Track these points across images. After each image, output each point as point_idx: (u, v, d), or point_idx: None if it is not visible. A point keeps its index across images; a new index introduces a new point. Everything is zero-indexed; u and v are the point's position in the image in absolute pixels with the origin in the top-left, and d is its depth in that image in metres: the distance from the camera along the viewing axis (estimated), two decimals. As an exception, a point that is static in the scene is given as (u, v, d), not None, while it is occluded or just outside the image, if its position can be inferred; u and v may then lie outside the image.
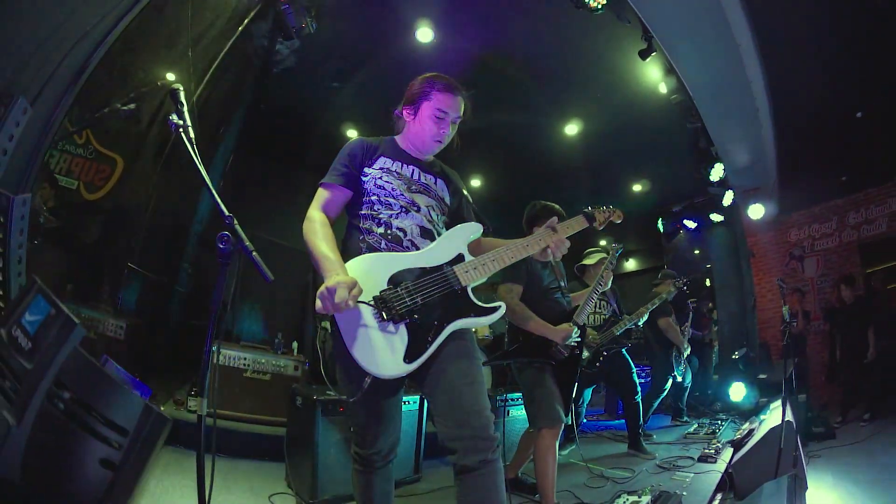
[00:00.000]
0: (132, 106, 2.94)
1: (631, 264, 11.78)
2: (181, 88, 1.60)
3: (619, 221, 2.34)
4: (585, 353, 3.91)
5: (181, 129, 1.52)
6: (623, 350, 4.26)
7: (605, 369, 4.12)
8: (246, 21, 3.82)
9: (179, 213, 4.52)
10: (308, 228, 1.70)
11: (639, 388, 4.33)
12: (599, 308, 4.31)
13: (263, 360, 3.80)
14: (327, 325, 5.55)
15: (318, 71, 5.74)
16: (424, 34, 5.37)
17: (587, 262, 4.32)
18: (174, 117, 1.53)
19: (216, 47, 3.53)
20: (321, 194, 1.80)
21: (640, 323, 4.46)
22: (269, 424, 3.55)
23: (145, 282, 3.44)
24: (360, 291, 1.52)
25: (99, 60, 2.12)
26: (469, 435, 1.56)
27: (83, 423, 0.93)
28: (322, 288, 1.49)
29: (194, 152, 1.51)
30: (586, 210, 2.25)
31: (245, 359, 3.71)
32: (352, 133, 7.10)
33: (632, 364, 4.34)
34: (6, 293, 1.74)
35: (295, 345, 4.28)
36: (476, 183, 8.29)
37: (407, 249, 1.74)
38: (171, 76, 3.05)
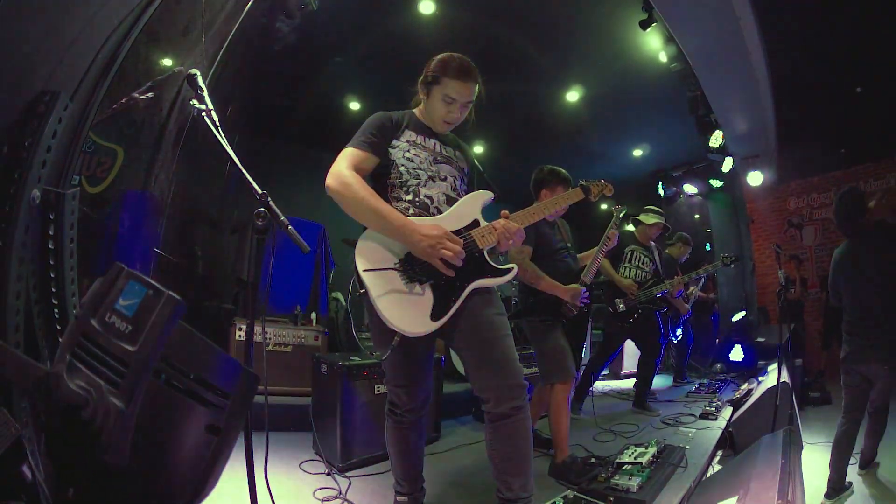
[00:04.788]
0: (150, 94, 3.01)
1: (631, 227, 11.82)
2: (198, 73, 1.62)
3: (609, 195, 2.61)
4: (621, 307, 4.06)
5: (204, 114, 1.56)
6: (657, 312, 4.35)
7: (635, 326, 4.22)
8: (250, 3, 3.85)
9: (190, 196, 4.60)
10: (349, 186, 1.70)
11: (661, 353, 4.46)
12: (643, 264, 4.36)
13: (284, 333, 3.86)
14: (339, 295, 5.73)
15: (319, 45, 5.72)
16: (426, 6, 5.37)
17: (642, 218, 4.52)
18: (195, 102, 1.57)
19: (225, 30, 3.58)
20: (352, 154, 1.80)
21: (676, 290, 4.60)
22: (292, 395, 3.58)
23: (168, 265, 3.54)
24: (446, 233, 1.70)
25: (126, 52, 2.19)
26: (503, 384, 1.69)
27: (190, 392, 1.00)
28: (431, 240, 1.66)
29: (220, 135, 1.55)
30: (582, 183, 2.47)
31: (266, 332, 3.73)
32: (355, 106, 7.12)
33: (661, 328, 4.44)
34: (60, 289, 1.82)
35: (314, 315, 4.38)
36: (479, 149, 8.33)
37: (432, 216, 1.83)
38: (187, 63, 3.11)
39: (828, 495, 2.82)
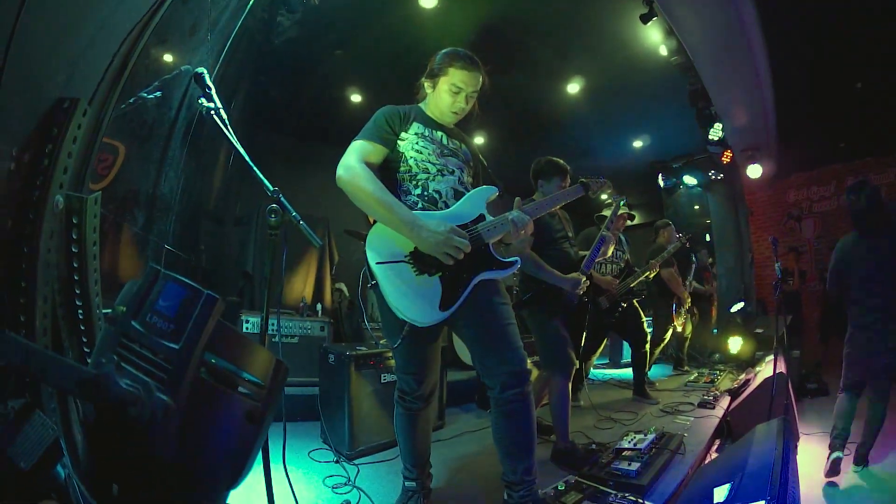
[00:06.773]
0: (158, 94, 3.06)
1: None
2: (205, 71, 1.66)
3: (608, 191, 2.68)
4: (605, 304, 4.12)
5: (213, 112, 1.61)
6: (634, 301, 4.41)
7: (618, 319, 4.29)
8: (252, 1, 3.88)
9: (193, 191, 4.65)
10: (358, 178, 1.75)
11: (648, 339, 4.55)
12: (615, 258, 4.39)
13: (290, 324, 3.94)
14: (342, 286, 5.80)
15: (320, 39, 5.74)
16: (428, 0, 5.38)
17: (607, 213, 4.51)
18: (203, 101, 1.62)
19: (229, 28, 3.61)
20: (361, 147, 1.84)
21: (653, 275, 4.64)
22: (299, 386, 3.62)
23: (177, 262, 3.60)
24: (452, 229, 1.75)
25: (138, 55, 2.23)
26: (509, 370, 1.76)
27: (229, 383, 1.06)
28: (439, 236, 1.71)
29: (230, 133, 1.59)
30: (582, 180, 2.54)
31: (272, 324, 3.81)
32: (356, 99, 7.14)
33: (643, 315, 4.52)
34: (84, 292, 1.85)
35: (319, 306, 4.46)
36: (479, 140, 8.35)
37: (440, 210, 1.89)
38: (194, 61, 3.14)
39: (832, 446, 3.08)
